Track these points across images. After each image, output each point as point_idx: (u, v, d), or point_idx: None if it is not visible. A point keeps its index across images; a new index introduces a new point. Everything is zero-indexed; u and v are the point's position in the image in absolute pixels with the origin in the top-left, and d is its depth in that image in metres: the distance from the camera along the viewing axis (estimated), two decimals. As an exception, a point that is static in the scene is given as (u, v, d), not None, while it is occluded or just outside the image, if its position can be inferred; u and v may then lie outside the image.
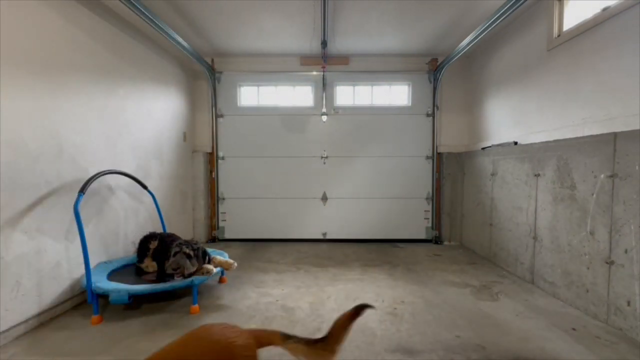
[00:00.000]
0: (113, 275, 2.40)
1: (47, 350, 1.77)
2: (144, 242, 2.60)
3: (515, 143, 3.10)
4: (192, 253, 2.22)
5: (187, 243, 2.27)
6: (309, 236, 4.36)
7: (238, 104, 4.34)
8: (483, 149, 3.65)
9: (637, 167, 1.83)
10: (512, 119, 3.27)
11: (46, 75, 2.11)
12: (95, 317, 2.07)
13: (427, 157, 4.31)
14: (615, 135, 1.97)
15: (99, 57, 2.60)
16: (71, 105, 2.31)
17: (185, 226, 4.09)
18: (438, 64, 4.12)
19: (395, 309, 2.28)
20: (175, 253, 2.20)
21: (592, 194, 2.12)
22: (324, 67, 4.18)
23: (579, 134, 2.33)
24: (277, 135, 4.31)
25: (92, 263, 2.35)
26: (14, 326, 1.88)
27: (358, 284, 2.77)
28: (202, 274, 2.24)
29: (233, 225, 4.40)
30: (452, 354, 1.72)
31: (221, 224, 4.40)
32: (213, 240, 4.38)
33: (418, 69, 4.24)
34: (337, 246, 4.10)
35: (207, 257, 2.42)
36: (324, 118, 4.27)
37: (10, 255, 1.86)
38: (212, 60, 4.22)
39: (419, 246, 4.11)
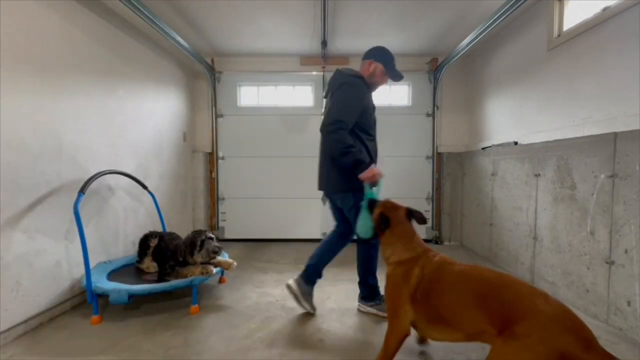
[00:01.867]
0: (113, 275, 2.40)
1: (47, 350, 1.77)
2: (144, 241, 2.60)
3: (515, 143, 3.10)
4: (213, 236, 2.35)
5: (201, 231, 2.36)
6: (309, 236, 4.36)
7: (238, 104, 4.34)
8: (483, 149, 3.65)
9: (637, 167, 1.83)
10: (512, 119, 3.27)
11: (46, 75, 2.11)
12: (95, 317, 2.07)
13: (427, 157, 4.31)
14: (615, 135, 1.97)
15: (99, 57, 2.59)
16: (71, 105, 2.30)
17: (185, 226, 4.09)
18: (438, 64, 4.11)
19: (395, 309, 2.27)
20: (202, 241, 2.27)
21: (592, 194, 2.11)
22: (324, 67, 4.18)
23: (579, 134, 2.33)
24: (277, 135, 4.31)
25: (92, 263, 2.34)
26: (14, 326, 1.88)
27: (358, 284, 2.77)
28: (202, 274, 2.23)
29: (233, 225, 4.40)
30: (452, 354, 1.71)
31: (221, 224, 4.40)
32: (213, 240, 4.38)
33: (418, 69, 4.24)
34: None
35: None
36: (324, 118, 4.27)
37: (10, 255, 1.86)
38: (212, 60, 4.22)
39: (419, 246, 4.10)
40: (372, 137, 2.17)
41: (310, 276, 2.23)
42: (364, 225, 1.74)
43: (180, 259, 2.30)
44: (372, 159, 2.12)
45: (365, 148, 2.06)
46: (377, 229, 1.60)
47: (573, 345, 0.98)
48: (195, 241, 2.28)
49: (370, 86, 2.22)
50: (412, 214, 1.58)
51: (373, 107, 2.20)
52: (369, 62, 2.22)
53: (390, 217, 1.55)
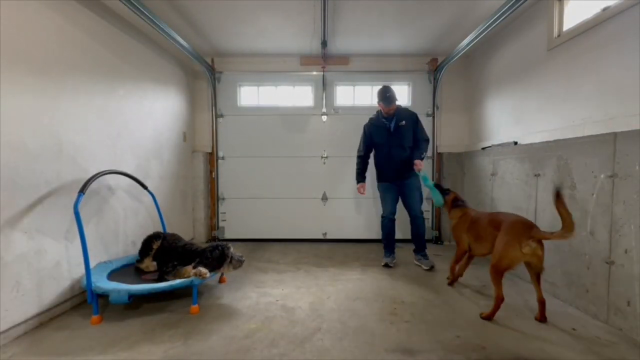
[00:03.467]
0: (113, 275, 2.40)
1: (47, 350, 1.77)
2: (148, 242, 2.60)
3: (515, 143, 3.10)
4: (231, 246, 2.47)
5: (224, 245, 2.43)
6: (309, 236, 4.36)
7: (238, 104, 4.34)
8: (483, 149, 3.65)
9: (637, 167, 1.83)
10: (512, 119, 3.27)
11: (46, 75, 2.11)
12: (95, 317, 2.07)
13: (427, 157, 4.30)
14: (615, 135, 1.97)
15: (99, 57, 2.59)
16: (71, 105, 2.31)
17: (185, 226, 4.09)
18: (438, 64, 4.12)
19: (395, 309, 2.28)
20: (232, 255, 2.38)
21: (592, 194, 2.11)
22: (324, 67, 4.18)
23: (579, 134, 2.33)
24: (277, 135, 4.31)
25: (92, 263, 2.35)
26: (14, 326, 1.88)
27: (358, 284, 2.77)
28: (196, 275, 2.22)
29: (233, 225, 4.40)
30: (452, 354, 1.71)
31: (221, 224, 4.40)
32: (213, 240, 4.38)
33: (418, 69, 4.24)
34: (337, 246, 4.10)
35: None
36: (324, 118, 4.27)
37: (10, 255, 1.86)
38: (212, 60, 4.22)
39: (419, 246, 4.11)
40: (380, 150, 3.31)
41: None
42: (437, 198, 2.90)
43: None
44: (383, 165, 3.30)
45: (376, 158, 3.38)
46: (451, 205, 2.81)
47: (522, 228, 2.02)
48: (227, 254, 2.35)
49: (387, 117, 3.24)
50: (462, 199, 2.85)
51: (387, 130, 3.24)
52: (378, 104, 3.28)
53: (459, 199, 2.81)
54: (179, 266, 2.32)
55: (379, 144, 3.27)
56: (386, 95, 3.11)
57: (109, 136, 2.69)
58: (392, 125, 3.20)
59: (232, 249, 2.41)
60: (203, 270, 2.23)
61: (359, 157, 3.42)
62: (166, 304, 2.35)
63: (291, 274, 3.05)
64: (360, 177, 3.41)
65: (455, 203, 2.80)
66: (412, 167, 3.14)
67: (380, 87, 3.20)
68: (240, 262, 2.40)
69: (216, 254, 2.33)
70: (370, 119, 3.38)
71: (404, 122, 3.19)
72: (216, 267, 2.32)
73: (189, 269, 2.26)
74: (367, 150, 3.38)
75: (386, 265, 3.23)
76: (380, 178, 3.34)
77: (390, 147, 3.21)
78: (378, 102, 3.22)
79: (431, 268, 3.13)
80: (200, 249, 2.41)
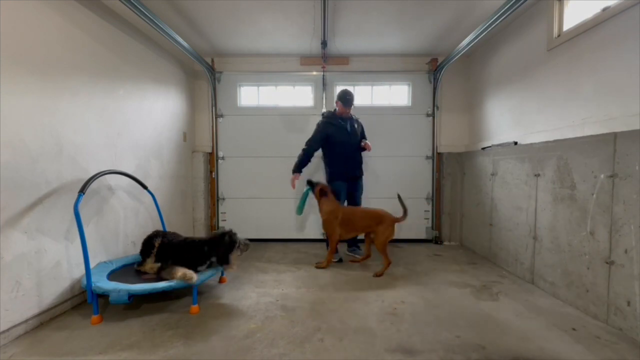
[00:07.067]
0: (113, 275, 2.40)
1: (47, 350, 1.77)
2: (148, 241, 2.57)
3: (515, 143, 3.10)
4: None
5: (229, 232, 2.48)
6: (309, 236, 4.36)
7: (238, 104, 4.34)
8: (483, 149, 3.65)
9: (637, 167, 1.83)
10: (512, 119, 3.27)
11: (46, 75, 2.11)
12: (95, 317, 2.07)
13: (427, 157, 4.31)
14: (615, 135, 1.97)
15: (99, 57, 2.59)
16: (71, 105, 2.30)
17: (185, 226, 4.09)
18: (438, 64, 4.12)
19: (395, 309, 2.28)
20: (240, 241, 2.47)
21: (592, 194, 2.11)
22: (324, 67, 4.18)
23: (579, 134, 2.33)
24: (277, 135, 4.31)
25: (92, 263, 2.35)
26: (14, 326, 1.88)
27: (358, 283, 2.76)
28: (181, 279, 2.16)
29: (233, 225, 4.38)
30: (452, 354, 1.72)
31: (221, 224, 4.40)
32: (213, 240, 4.38)
33: (418, 69, 4.24)
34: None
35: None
36: (324, 118, 4.27)
37: (10, 255, 1.86)
38: (212, 60, 4.22)
39: (419, 246, 4.11)
40: (340, 149, 3.43)
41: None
42: (301, 207, 3.42)
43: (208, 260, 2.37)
44: (342, 164, 3.48)
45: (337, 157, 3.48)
46: (318, 197, 3.25)
47: (394, 219, 3.06)
48: (235, 239, 2.42)
49: (342, 118, 3.46)
50: (328, 190, 3.27)
51: (346, 130, 3.44)
52: (336, 102, 3.49)
53: (325, 191, 3.22)
54: (174, 265, 2.29)
55: (340, 144, 3.39)
56: (346, 97, 3.34)
57: (109, 136, 2.69)
58: (349, 126, 3.44)
59: (238, 234, 2.48)
60: (188, 273, 2.19)
61: (307, 150, 3.40)
62: (166, 304, 2.35)
63: (291, 274, 3.05)
64: (299, 168, 3.42)
65: (323, 194, 3.21)
66: (361, 167, 3.59)
67: (342, 89, 3.44)
68: (247, 246, 2.49)
69: (227, 240, 2.38)
70: (328, 118, 3.48)
71: (356, 125, 3.51)
72: (226, 253, 2.36)
73: (177, 271, 2.21)
74: (318, 147, 3.43)
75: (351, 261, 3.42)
76: (337, 177, 3.45)
77: (351, 146, 3.45)
78: (336, 101, 3.44)
79: (367, 257, 3.40)
80: (205, 238, 2.45)
